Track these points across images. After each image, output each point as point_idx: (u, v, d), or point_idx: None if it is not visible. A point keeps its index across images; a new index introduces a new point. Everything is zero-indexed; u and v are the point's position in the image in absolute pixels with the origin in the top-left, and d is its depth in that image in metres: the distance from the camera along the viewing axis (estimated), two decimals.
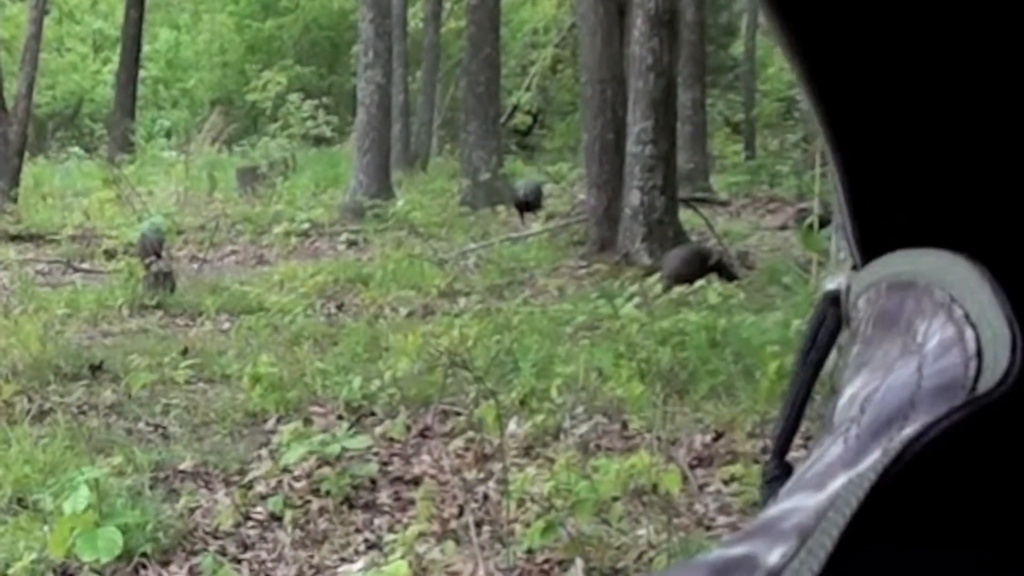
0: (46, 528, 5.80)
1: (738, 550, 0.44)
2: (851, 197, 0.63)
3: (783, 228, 16.25)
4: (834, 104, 0.61)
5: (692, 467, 6.46)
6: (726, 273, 11.67)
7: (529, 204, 16.85)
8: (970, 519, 0.49)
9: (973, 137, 0.59)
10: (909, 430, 0.46)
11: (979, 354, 0.50)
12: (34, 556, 5.53)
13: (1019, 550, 0.49)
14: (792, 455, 0.65)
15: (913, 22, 0.57)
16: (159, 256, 12.05)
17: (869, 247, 0.64)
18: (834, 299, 0.67)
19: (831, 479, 0.47)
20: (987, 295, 0.52)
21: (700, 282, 10.68)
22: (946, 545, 0.48)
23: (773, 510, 0.47)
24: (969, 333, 0.51)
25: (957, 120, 0.59)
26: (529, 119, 31.91)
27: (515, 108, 30.43)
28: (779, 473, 0.64)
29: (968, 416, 0.45)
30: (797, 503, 0.47)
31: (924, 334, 0.54)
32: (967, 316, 0.52)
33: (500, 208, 18.19)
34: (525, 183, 17.78)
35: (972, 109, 0.58)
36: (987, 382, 0.48)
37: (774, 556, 0.43)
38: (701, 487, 6.23)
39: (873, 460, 0.45)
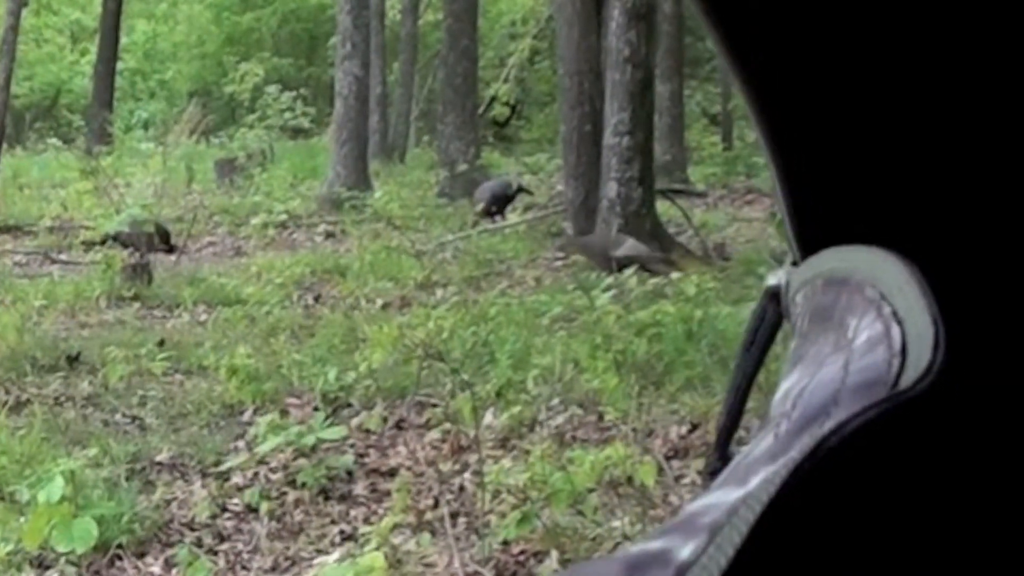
0: (22, 519, 5.78)
1: (656, 544, 0.45)
2: (789, 194, 0.64)
3: None
4: (770, 106, 0.62)
5: (668, 458, 6.46)
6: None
7: (498, 208, 16.65)
8: (891, 513, 0.50)
9: (907, 136, 0.60)
10: (827, 426, 0.47)
11: (903, 351, 0.50)
12: (10, 548, 5.53)
13: (938, 540, 0.50)
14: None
15: (847, 23, 0.58)
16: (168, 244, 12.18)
17: (808, 243, 0.65)
18: (774, 294, 0.68)
19: (754, 474, 0.48)
20: (914, 293, 0.52)
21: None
22: (864, 538, 0.49)
23: (697, 504, 0.48)
24: (895, 330, 0.52)
25: (891, 120, 0.60)
26: (507, 110, 31.76)
27: (493, 99, 30.33)
28: (719, 466, 0.65)
29: (885, 412, 0.46)
30: (719, 498, 0.47)
31: (854, 330, 0.55)
32: (895, 313, 0.53)
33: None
34: (485, 189, 17.17)
35: (905, 110, 0.59)
36: (909, 379, 0.48)
37: (686, 551, 0.44)
38: (676, 479, 6.23)
39: (789, 457, 0.46)
